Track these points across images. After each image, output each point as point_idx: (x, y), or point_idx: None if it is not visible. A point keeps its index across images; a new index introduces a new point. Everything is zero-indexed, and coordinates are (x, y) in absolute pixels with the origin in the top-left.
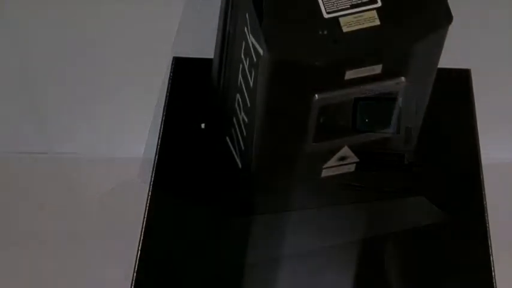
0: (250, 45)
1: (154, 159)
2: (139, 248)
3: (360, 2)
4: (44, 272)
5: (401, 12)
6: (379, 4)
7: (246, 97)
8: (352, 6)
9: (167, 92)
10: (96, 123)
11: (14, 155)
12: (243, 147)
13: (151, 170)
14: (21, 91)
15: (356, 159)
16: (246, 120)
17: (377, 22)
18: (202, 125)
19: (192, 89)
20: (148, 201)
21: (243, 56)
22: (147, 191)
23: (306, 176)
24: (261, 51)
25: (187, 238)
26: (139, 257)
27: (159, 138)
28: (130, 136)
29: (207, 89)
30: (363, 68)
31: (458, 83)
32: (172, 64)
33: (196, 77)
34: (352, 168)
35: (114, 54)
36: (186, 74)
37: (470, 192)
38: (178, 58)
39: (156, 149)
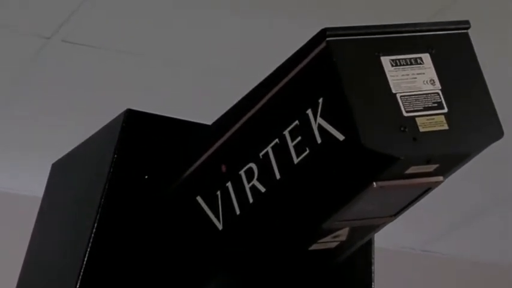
0: (315, 127)
1: (99, 205)
2: None
3: (430, 105)
4: None
5: (465, 120)
6: (446, 110)
7: (275, 169)
8: (425, 109)
9: (117, 142)
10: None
11: None
12: (237, 212)
13: None
14: None
15: (344, 238)
16: (263, 190)
17: (445, 127)
18: (146, 176)
19: (142, 141)
20: (90, 244)
21: (286, 133)
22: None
23: (298, 247)
24: (340, 136)
25: None
26: None
27: (105, 186)
28: None
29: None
30: (425, 166)
31: None
32: (125, 115)
33: (147, 131)
34: (333, 245)
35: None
36: (137, 126)
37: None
38: (132, 111)
39: (102, 194)
